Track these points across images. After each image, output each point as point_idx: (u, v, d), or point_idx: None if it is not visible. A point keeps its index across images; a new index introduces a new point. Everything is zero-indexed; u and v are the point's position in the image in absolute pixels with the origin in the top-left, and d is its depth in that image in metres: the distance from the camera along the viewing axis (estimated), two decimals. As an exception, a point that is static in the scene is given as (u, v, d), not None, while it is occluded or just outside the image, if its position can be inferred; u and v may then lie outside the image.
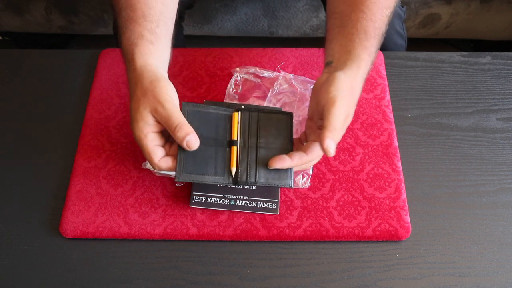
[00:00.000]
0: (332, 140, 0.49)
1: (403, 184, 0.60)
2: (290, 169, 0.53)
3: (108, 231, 0.57)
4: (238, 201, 0.58)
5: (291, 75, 0.68)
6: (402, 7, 0.85)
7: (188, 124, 0.50)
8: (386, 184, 0.60)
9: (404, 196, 0.59)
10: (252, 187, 0.59)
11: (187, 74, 0.70)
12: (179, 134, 0.49)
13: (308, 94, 0.66)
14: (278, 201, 0.58)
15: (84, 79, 0.71)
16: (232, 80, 0.68)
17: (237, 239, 0.57)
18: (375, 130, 0.64)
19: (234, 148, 0.54)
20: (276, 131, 0.56)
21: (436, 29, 1.20)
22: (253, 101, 0.66)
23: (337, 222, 0.58)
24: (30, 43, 1.42)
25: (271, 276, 0.55)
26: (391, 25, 0.81)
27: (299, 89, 0.67)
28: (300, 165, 0.53)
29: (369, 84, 0.68)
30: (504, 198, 0.61)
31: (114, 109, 0.67)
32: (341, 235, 0.57)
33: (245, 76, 0.69)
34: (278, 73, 0.68)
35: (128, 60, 0.52)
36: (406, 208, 0.59)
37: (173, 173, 0.58)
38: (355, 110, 0.65)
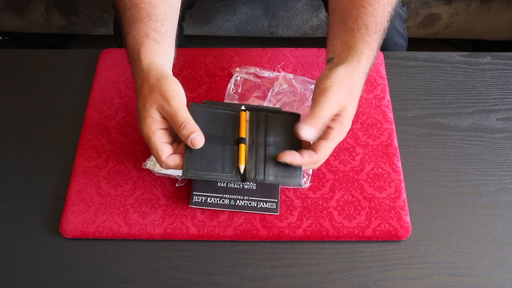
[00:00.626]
0: (308, 126, 0.49)
1: (403, 184, 0.60)
2: (299, 168, 0.53)
3: (108, 231, 0.57)
4: (238, 201, 0.58)
5: (291, 75, 0.68)
6: (403, 6, 0.85)
7: (194, 123, 0.49)
8: (386, 184, 0.60)
9: (404, 196, 0.59)
10: (252, 187, 0.59)
11: (187, 74, 0.70)
12: (184, 132, 0.49)
13: (308, 94, 0.66)
14: (278, 201, 0.58)
15: (84, 79, 0.71)
16: (232, 80, 0.68)
17: (237, 239, 0.57)
18: (375, 130, 0.64)
19: (243, 146, 0.53)
20: (285, 131, 0.55)
21: (436, 29, 1.20)
22: (253, 101, 0.66)
23: (337, 222, 0.58)
24: (30, 43, 1.42)
25: (271, 276, 0.55)
26: (392, 24, 0.81)
27: (299, 89, 0.67)
28: (309, 163, 0.52)
29: (369, 84, 0.68)
30: (504, 198, 0.61)
31: (114, 109, 0.67)
32: (341, 235, 0.57)
33: (245, 76, 0.69)
34: (278, 73, 0.68)
35: (134, 59, 0.52)
36: (406, 208, 0.59)
37: (173, 173, 0.59)
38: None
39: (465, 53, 0.74)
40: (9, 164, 0.64)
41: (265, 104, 0.65)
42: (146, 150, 0.62)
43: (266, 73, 0.68)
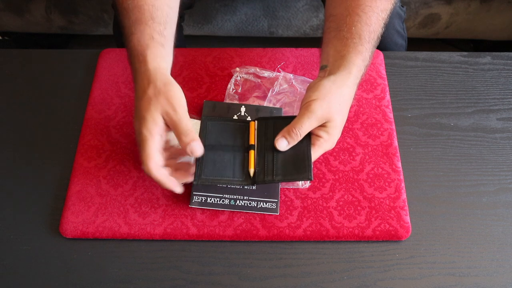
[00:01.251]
0: (282, 138, 0.53)
1: (403, 184, 0.60)
2: (309, 161, 0.53)
3: (108, 231, 0.57)
4: (238, 201, 0.58)
5: (291, 75, 0.68)
6: (403, 7, 0.85)
7: (195, 132, 0.51)
8: (386, 184, 0.60)
9: (404, 196, 0.59)
10: (252, 187, 0.59)
11: (187, 74, 0.70)
12: (185, 139, 0.50)
13: (308, 94, 0.66)
14: (278, 201, 0.58)
15: (84, 79, 0.71)
16: (232, 80, 0.68)
17: (237, 239, 0.57)
18: (375, 130, 0.64)
19: (252, 152, 0.56)
20: None
21: (436, 29, 1.20)
22: (253, 101, 0.66)
23: (337, 222, 0.58)
24: (30, 43, 1.41)
25: (271, 276, 0.55)
26: (391, 25, 0.81)
27: (299, 89, 0.67)
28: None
29: (369, 84, 0.68)
30: (504, 198, 0.61)
31: (114, 109, 0.67)
32: (341, 235, 0.57)
33: (245, 76, 0.69)
34: (278, 73, 0.68)
35: (138, 61, 0.53)
36: (406, 208, 0.59)
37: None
38: (355, 110, 0.65)
39: (465, 53, 0.74)
40: (9, 164, 0.64)
41: (265, 104, 0.65)
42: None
43: (266, 73, 0.68)
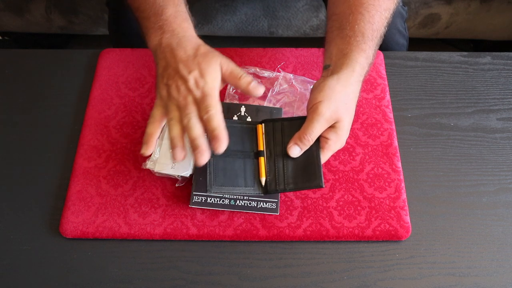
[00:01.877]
0: (294, 145, 0.53)
1: (403, 184, 0.60)
2: (319, 169, 0.53)
3: (108, 231, 0.57)
4: (238, 201, 0.58)
5: (291, 75, 0.68)
6: (404, 6, 0.85)
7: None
8: (386, 184, 0.60)
9: (404, 196, 0.59)
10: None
11: (187, 74, 0.70)
12: (245, 79, 0.53)
13: (308, 94, 0.66)
14: (278, 201, 0.58)
15: (84, 79, 0.71)
16: (232, 80, 0.68)
17: (237, 239, 0.57)
18: (375, 130, 0.64)
19: (262, 159, 0.56)
20: None
21: (436, 29, 1.20)
22: (253, 101, 0.66)
23: (337, 222, 0.58)
24: (30, 43, 1.41)
25: (271, 276, 0.55)
26: (393, 24, 0.81)
27: (299, 89, 0.67)
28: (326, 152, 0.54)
29: (369, 84, 0.68)
30: (504, 198, 0.61)
31: (114, 109, 0.67)
32: (341, 235, 0.57)
33: (245, 76, 0.69)
34: (278, 73, 0.68)
35: (183, 29, 0.56)
36: (406, 208, 0.59)
37: (174, 173, 0.59)
38: (355, 110, 0.65)
39: (465, 53, 0.74)
40: (9, 164, 0.64)
41: (265, 104, 0.65)
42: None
43: (266, 73, 0.68)
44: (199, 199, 0.58)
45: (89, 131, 0.65)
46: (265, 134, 0.57)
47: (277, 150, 0.56)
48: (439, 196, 0.61)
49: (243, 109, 0.63)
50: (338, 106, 0.51)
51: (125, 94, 0.68)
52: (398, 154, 0.63)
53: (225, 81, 0.54)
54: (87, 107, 0.67)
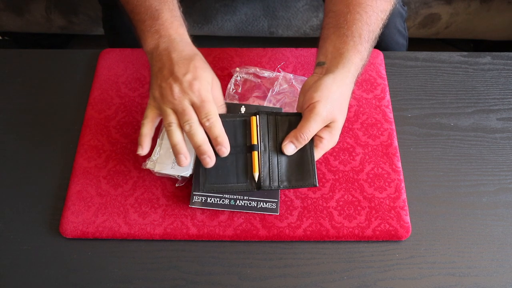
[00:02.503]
0: (289, 143, 0.53)
1: (403, 184, 0.60)
2: (313, 167, 0.53)
3: (108, 231, 0.57)
4: (238, 201, 0.58)
5: (291, 75, 0.68)
6: (404, 6, 0.85)
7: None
8: (386, 184, 0.60)
9: (404, 196, 0.59)
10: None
11: (187, 74, 0.70)
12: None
13: (308, 94, 0.66)
14: (278, 201, 0.58)
15: (84, 79, 0.71)
16: (232, 80, 0.68)
17: (237, 239, 0.57)
18: (375, 130, 0.64)
19: (255, 153, 0.54)
20: None
21: (436, 29, 1.20)
22: (253, 101, 0.66)
23: (337, 222, 0.58)
24: (30, 43, 1.41)
25: (271, 276, 0.55)
26: (393, 24, 0.80)
27: (299, 89, 0.67)
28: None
29: (369, 84, 0.68)
30: (504, 198, 0.61)
31: (114, 109, 0.67)
32: (341, 235, 0.57)
33: (245, 76, 0.69)
34: (278, 73, 0.68)
35: (179, 34, 0.57)
36: (406, 208, 0.59)
37: (173, 173, 0.59)
38: (355, 110, 0.65)
39: (465, 53, 0.74)
40: (9, 164, 0.64)
41: (265, 104, 0.65)
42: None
43: (266, 73, 0.68)
44: (199, 199, 0.58)
45: (89, 131, 0.65)
46: (259, 127, 0.56)
47: (272, 145, 0.55)
48: (439, 196, 0.61)
49: (243, 109, 0.63)
50: (334, 106, 0.52)
51: (125, 94, 0.68)
52: (398, 154, 0.63)
53: None
54: (87, 107, 0.67)
